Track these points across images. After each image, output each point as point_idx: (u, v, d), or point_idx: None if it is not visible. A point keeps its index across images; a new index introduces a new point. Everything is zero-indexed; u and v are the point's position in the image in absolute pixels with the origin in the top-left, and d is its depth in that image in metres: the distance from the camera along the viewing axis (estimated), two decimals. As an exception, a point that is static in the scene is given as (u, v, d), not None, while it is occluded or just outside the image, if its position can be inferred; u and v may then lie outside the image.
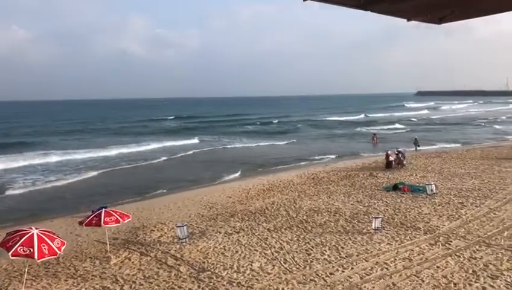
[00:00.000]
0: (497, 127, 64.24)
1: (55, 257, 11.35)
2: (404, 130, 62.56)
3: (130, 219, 14.38)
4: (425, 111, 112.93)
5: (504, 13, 2.50)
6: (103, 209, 13.80)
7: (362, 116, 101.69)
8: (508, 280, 10.54)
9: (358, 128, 67.40)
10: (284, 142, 50.37)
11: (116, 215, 13.48)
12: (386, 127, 68.59)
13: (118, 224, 13.74)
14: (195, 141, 52.01)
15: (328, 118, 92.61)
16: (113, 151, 42.62)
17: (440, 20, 2.33)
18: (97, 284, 11.53)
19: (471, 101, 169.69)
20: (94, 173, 31.17)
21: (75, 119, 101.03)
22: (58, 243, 11.16)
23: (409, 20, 2.34)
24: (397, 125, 70.09)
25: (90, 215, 13.66)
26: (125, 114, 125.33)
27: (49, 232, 11.63)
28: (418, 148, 37.83)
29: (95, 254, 13.92)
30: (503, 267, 11.27)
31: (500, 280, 10.54)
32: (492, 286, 10.25)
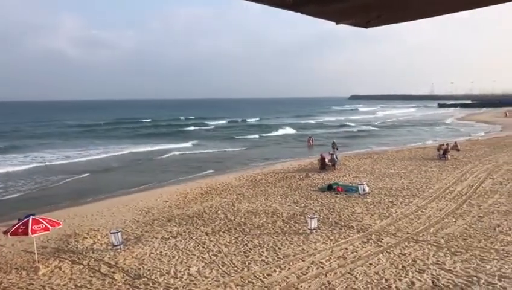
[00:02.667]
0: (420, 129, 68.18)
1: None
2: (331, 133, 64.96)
3: (60, 226, 13.73)
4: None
5: (430, 20, 2.64)
6: (31, 217, 13.03)
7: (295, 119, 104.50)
8: (434, 273, 11.16)
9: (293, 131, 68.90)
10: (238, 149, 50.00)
11: (45, 223, 12.80)
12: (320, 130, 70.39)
13: (47, 232, 13.06)
14: (130, 145, 50.58)
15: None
16: (42, 155, 40.66)
17: (367, 24, 2.40)
18: (24, 296, 10.89)
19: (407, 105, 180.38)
20: (20, 179, 29.44)
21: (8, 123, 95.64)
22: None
23: (337, 23, 2.39)
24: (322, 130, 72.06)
25: (16, 224, 12.86)
26: (62, 117, 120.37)
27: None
28: (337, 151, 37.29)
29: (21, 265, 13.11)
30: (429, 262, 11.93)
31: (427, 274, 11.14)
32: (420, 280, 10.80)
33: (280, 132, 68.82)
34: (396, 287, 10.48)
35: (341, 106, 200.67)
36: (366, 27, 2.46)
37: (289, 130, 70.66)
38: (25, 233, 12.50)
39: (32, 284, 11.65)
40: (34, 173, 32.16)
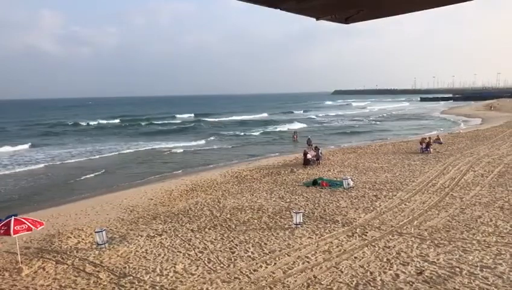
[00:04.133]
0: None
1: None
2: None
3: (43, 226, 13.57)
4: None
5: (411, 15, 2.65)
6: (13, 217, 12.83)
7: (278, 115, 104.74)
8: (418, 265, 11.31)
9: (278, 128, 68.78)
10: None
11: (27, 223, 12.62)
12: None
13: (29, 232, 12.89)
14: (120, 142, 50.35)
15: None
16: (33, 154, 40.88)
17: (346, 20, 2.40)
18: (7, 298, 10.74)
19: (389, 100, 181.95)
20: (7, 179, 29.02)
21: None
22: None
23: (317, 19, 2.39)
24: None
25: (-2, 224, 12.66)
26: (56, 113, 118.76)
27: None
28: (311, 147, 37.66)
29: (4, 266, 12.91)
30: (413, 254, 12.08)
31: (411, 266, 11.29)
32: (404, 272, 10.94)
33: (297, 126, 68.53)
34: (381, 279, 10.60)
35: (333, 100, 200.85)
36: (346, 23, 2.47)
37: (299, 125, 70.38)
38: (7, 233, 12.30)
39: (16, 285, 11.49)
40: (22, 173, 31.69)
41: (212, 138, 52.90)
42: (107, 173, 30.74)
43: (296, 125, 68.91)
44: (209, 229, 15.49)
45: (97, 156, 39.58)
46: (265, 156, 36.37)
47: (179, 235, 14.91)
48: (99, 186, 25.81)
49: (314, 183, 21.96)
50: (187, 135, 58.82)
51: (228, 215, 17.11)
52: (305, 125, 69.91)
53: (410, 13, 2.57)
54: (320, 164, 28.42)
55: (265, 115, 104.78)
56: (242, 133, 60.24)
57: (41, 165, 34.71)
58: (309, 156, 28.61)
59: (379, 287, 10.22)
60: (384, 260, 11.83)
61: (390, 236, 13.70)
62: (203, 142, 49.72)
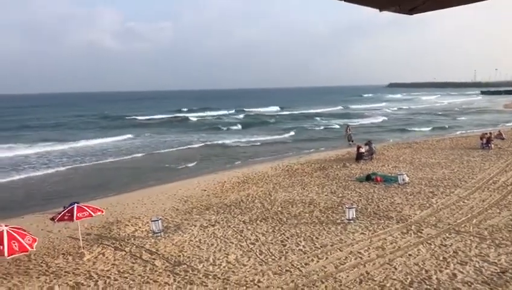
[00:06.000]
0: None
1: (26, 253, 11.11)
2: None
3: (102, 213, 14.19)
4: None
5: (474, 4, 2.55)
6: (75, 205, 13.53)
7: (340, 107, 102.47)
8: (477, 265, 10.87)
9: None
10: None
11: (88, 210, 13.26)
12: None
13: (90, 218, 13.58)
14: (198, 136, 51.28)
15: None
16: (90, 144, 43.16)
17: (411, 11, 2.34)
18: (70, 280, 11.34)
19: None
20: (66, 167, 30.62)
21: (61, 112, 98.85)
22: (29, 240, 10.95)
23: (381, 10, 2.34)
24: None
25: (62, 211, 13.37)
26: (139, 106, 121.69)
27: (19, 229, 11.39)
28: (352, 143, 36.37)
29: (67, 250, 13.67)
30: (472, 253, 11.62)
31: (469, 266, 10.86)
32: (462, 272, 10.55)
33: (380, 119, 67.21)
34: (437, 278, 10.28)
35: (393, 93, 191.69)
36: (409, 14, 2.41)
37: (381, 118, 68.54)
38: (70, 220, 13.00)
39: (78, 269, 12.12)
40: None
41: (292, 133, 51.38)
42: (199, 162, 31.90)
43: (378, 119, 67.43)
44: (261, 221, 15.62)
45: (198, 145, 41.84)
46: (318, 150, 36.06)
47: (231, 226, 15.15)
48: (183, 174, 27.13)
49: (368, 178, 21.56)
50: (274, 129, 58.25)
51: (279, 209, 17.17)
52: (385, 118, 68.14)
53: (474, 3, 2.47)
54: (374, 159, 27.85)
55: (340, 107, 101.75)
56: (323, 127, 58.73)
57: (139, 155, 36.74)
58: (362, 150, 28.10)
59: (435, 286, 9.92)
60: (441, 258, 11.46)
61: (447, 234, 13.24)
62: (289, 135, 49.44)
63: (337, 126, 57.98)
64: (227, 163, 31.06)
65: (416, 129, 51.61)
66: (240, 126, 62.51)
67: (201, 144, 42.45)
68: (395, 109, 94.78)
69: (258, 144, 42.53)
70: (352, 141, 36.82)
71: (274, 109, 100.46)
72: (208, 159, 33.49)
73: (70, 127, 65.82)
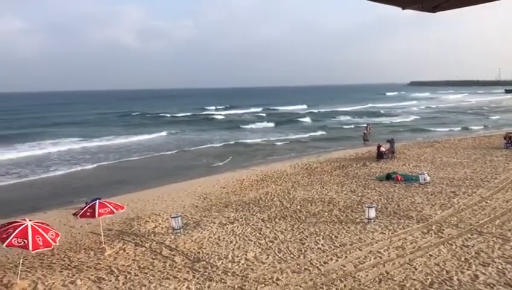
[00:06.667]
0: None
1: (49, 248, 11.34)
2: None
3: (124, 210, 14.38)
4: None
5: (498, 1, 2.51)
6: (97, 201, 13.77)
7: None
8: (499, 267, 10.68)
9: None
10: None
11: (110, 207, 13.48)
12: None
13: (111, 215, 13.79)
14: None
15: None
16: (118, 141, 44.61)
17: (434, 9, 2.32)
18: (92, 275, 11.54)
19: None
20: (89, 166, 31.11)
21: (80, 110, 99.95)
22: (52, 235, 11.16)
23: (403, 8, 2.33)
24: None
25: (85, 207, 13.64)
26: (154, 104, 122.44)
27: (43, 223, 11.61)
28: (367, 142, 35.92)
29: (89, 245, 13.92)
30: (495, 255, 11.42)
31: (492, 267, 10.68)
32: (484, 273, 10.38)
33: (411, 118, 66.28)
34: (458, 279, 10.15)
35: (420, 92, 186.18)
36: (433, 12, 2.39)
37: (413, 116, 67.88)
38: (92, 216, 13.23)
39: (99, 264, 12.33)
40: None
41: (322, 132, 50.66)
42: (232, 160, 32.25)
43: (409, 117, 66.66)
44: (279, 219, 15.63)
45: (229, 142, 42.56)
46: (337, 148, 35.87)
47: (250, 224, 15.20)
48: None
49: (388, 177, 21.36)
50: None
51: (298, 207, 17.15)
52: (416, 117, 67.27)
53: (496, 0, 2.45)
54: (395, 157, 27.56)
55: (369, 105, 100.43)
56: (353, 126, 57.42)
57: (174, 151, 37.61)
58: (382, 149, 27.84)
59: (456, 288, 9.79)
60: (462, 259, 11.29)
61: (468, 235, 13.04)
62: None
63: (365, 125, 57.27)
64: (249, 160, 31.21)
65: (455, 129, 49.97)
66: (272, 124, 62.82)
67: (231, 142, 42.82)
68: (423, 107, 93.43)
69: (288, 142, 42.72)
70: (368, 141, 36.36)
71: (301, 107, 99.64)
72: (239, 156, 34.00)
73: (102, 124, 66.74)
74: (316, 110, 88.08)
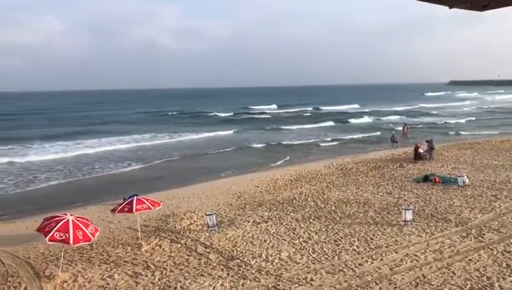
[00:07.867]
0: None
1: (89, 243, 11.68)
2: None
3: (160, 207, 14.64)
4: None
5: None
6: (135, 197, 14.07)
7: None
8: (544, 274, 10.27)
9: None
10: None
11: (147, 203, 13.75)
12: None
13: (149, 211, 14.08)
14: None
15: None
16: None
17: (483, 8, 2.25)
18: (129, 269, 11.81)
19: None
20: (129, 164, 31.93)
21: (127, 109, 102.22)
22: (92, 230, 11.49)
23: (451, 7, 2.27)
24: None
25: (122, 203, 13.96)
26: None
27: (83, 218, 11.97)
28: (396, 144, 35.07)
29: (126, 241, 14.25)
30: (539, 262, 10.99)
31: (535, 275, 10.28)
32: (527, 281, 10.01)
33: (465, 119, 64.75)
34: (499, 286, 9.81)
35: (467, 92, 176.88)
36: (481, 10, 2.32)
37: (469, 118, 65.95)
38: (130, 211, 13.54)
39: (136, 259, 12.61)
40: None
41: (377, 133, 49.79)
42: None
43: (465, 118, 64.95)
44: (314, 219, 15.54)
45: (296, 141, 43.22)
46: (374, 149, 35.34)
47: (284, 224, 15.18)
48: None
49: (426, 179, 20.87)
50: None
51: (333, 208, 17.01)
52: (472, 118, 65.35)
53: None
54: (433, 159, 26.91)
55: (420, 105, 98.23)
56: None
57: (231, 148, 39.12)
58: (421, 150, 27.23)
59: (497, 294, 9.49)
60: (504, 265, 10.91)
61: (511, 240, 12.59)
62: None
63: (420, 126, 56.15)
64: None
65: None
66: (332, 122, 63.17)
67: (298, 142, 43.13)
68: (474, 108, 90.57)
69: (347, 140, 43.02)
70: (396, 142, 35.47)
71: (354, 106, 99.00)
72: (294, 154, 34.62)
73: (156, 123, 68.22)
74: (367, 109, 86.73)
